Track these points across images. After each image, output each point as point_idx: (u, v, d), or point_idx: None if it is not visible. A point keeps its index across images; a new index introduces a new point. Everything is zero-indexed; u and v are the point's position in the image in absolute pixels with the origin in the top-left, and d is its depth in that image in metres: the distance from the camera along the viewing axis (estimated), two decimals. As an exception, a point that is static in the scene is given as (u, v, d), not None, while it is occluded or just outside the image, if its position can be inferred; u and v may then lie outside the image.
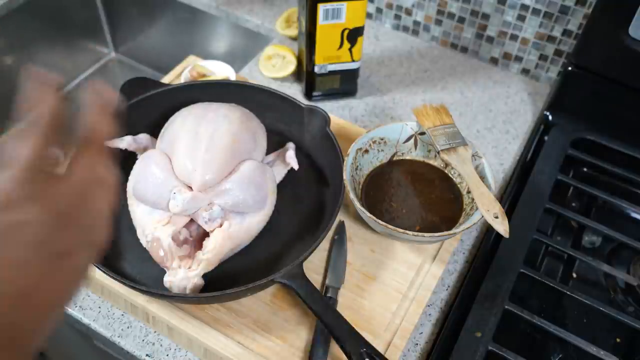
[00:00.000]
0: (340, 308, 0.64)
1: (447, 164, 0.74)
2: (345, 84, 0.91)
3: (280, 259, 0.66)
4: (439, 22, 1.00)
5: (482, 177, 0.67)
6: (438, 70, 0.99)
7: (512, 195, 0.79)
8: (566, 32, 0.90)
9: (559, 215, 0.77)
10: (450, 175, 0.74)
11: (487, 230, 0.75)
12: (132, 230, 0.64)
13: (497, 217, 0.61)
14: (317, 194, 0.72)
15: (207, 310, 0.63)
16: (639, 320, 0.65)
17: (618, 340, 0.69)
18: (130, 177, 0.65)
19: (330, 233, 0.70)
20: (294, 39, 1.01)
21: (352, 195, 0.65)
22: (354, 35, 0.83)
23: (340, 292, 0.66)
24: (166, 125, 0.69)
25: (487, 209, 0.62)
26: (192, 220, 0.63)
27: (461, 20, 0.98)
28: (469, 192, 0.70)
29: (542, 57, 0.95)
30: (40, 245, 0.30)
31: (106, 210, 0.35)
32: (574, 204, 0.81)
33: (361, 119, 0.90)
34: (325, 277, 0.67)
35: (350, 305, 0.65)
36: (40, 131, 0.33)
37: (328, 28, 0.81)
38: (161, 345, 0.64)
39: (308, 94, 0.91)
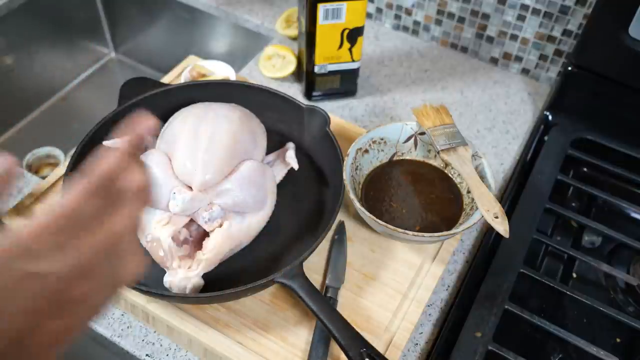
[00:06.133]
0: (340, 308, 0.64)
1: (447, 164, 0.74)
2: (345, 84, 0.90)
3: (280, 259, 0.66)
4: (439, 22, 1.00)
5: (482, 177, 0.67)
6: (438, 70, 0.99)
7: (512, 195, 0.79)
8: (566, 32, 0.90)
9: (559, 215, 0.77)
10: (450, 175, 0.74)
11: (487, 230, 0.75)
12: (132, 230, 0.64)
13: (497, 217, 0.61)
14: (317, 194, 0.72)
15: (207, 310, 0.63)
16: (639, 320, 0.65)
17: (618, 340, 0.69)
18: (130, 177, 0.65)
19: (330, 233, 0.70)
20: (294, 39, 1.01)
21: (352, 195, 0.65)
22: (354, 35, 0.83)
23: (340, 292, 0.66)
24: (166, 125, 0.69)
25: (487, 209, 0.62)
26: (192, 220, 0.63)
27: (461, 20, 0.98)
28: (469, 192, 0.70)
29: (542, 57, 0.95)
30: (54, 294, 0.31)
31: (134, 261, 0.36)
32: (574, 204, 0.81)
33: (361, 119, 0.90)
34: (325, 277, 0.67)
35: (350, 305, 0.65)
36: (88, 185, 0.34)
37: (328, 28, 0.81)
38: (161, 345, 0.64)
39: (308, 94, 0.91)
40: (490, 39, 0.97)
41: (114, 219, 0.34)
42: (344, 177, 0.66)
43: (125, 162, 0.36)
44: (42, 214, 0.32)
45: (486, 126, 0.90)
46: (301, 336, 0.62)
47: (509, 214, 0.74)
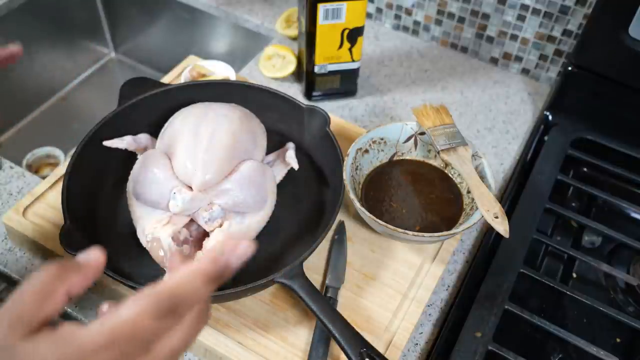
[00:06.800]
0: (340, 308, 0.64)
1: (447, 164, 0.74)
2: (345, 84, 0.91)
3: (280, 259, 0.66)
4: (439, 22, 1.00)
5: (482, 177, 0.67)
6: (438, 70, 0.99)
7: (512, 195, 0.79)
8: (566, 32, 0.90)
9: (559, 215, 0.77)
10: (450, 175, 0.74)
11: (487, 230, 0.75)
12: (132, 230, 0.64)
13: (497, 217, 0.61)
14: (317, 194, 0.72)
15: (207, 310, 0.63)
16: (639, 320, 0.65)
17: (618, 340, 0.69)
18: (130, 177, 0.65)
19: (330, 233, 0.70)
20: (294, 39, 1.01)
21: (352, 195, 0.65)
22: (354, 35, 0.83)
23: (340, 292, 0.66)
24: (166, 125, 0.69)
25: (487, 209, 0.62)
26: (192, 220, 0.63)
27: (461, 20, 0.98)
28: (469, 192, 0.70)
29: (542, 57, 0.95)
30: None
31: None
32: (574, 204, 0.81)
33: (361, 119, 0.90)
34: (325, 277, 0.67)
35: (350, 305, 0.65)
36: (156, 302, 0.32)
37: (328, 28, 0.81)
38: (161, 345, 0.64)
39: (308, 94, 0.91)
40: (490, 39, 0.97)
41: (172, 337, 0.33)
42: (344, 177, 0.66)
43: (191, 282, 0.34)
44: (102, 327, 0.30)
45: (486, 126, 0.90)
46: (301, 336, 0.62)
47: (509, 214, 0.74)
